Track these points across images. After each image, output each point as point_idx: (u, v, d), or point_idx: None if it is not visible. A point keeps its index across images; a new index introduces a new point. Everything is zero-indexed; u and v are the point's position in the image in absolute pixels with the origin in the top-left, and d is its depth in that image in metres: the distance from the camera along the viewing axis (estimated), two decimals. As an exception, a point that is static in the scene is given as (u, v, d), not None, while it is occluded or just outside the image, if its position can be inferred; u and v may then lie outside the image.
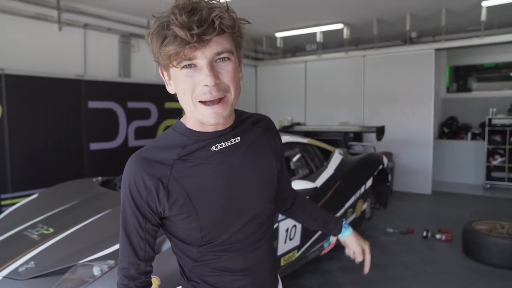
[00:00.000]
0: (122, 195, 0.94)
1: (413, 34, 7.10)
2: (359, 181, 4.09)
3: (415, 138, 6.93)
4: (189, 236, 0.96)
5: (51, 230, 2.44)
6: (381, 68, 7.24)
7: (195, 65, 0.83)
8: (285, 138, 3.53)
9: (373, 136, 5.55)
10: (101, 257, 2.06)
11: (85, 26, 5.60)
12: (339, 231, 1.31)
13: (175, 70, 0.85)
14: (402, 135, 7.00)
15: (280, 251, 2.89)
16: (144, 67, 6.37)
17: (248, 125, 1.04)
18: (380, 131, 5.03)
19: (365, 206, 4.28)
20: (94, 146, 5.12)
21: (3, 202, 4.38)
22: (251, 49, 8.85)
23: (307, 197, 3.01)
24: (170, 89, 0.92)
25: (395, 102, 7.09)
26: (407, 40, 7.01)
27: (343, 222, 1.33)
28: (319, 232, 3.38)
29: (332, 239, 1.36)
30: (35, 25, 5.09)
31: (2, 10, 4.77)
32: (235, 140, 0.97)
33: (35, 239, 2.35)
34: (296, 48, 8.91)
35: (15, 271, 2.09)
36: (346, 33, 7.35)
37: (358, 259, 1.29)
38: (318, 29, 7.43)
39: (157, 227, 0.97)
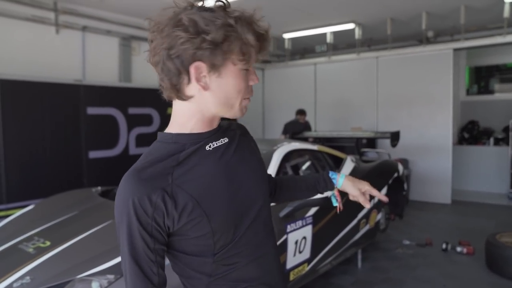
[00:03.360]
0: (123, 220, 0.90)
1: (430, 34, 7.09)
2: (373, 190, 4.06)
3: (432, 144, 6.89)
4: (202, 246, 0.97)
5: (48, 243, 2.46)
6: (396, 70, 7.23)
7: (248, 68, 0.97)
8: (294, 145, 3.53)
9: (387, 142, 5.53)
10: (100, 271, 2.07)
11: (84, 28, 5.68)
12: (332, 184, 1.36)
13: (235, 69, 0.94)
14: (419, 140, 6.97)
15: (289, 264, 2.88)
16: (145, 71, 6.42)
17: (228, 128, 1.12)
18: (394, 137, 5.01)
19: (379, 216, 4.25)
20: (93, 154, 5.16)
21: (0, 213, 4.43)
22: (258, 51, 8.88)
23: (317, 207, 3.04)
24: (195, 86, 0.93)
25: (411, 106, 7.06)
26: (423, 40, 7.00)
27: (330, 173, 1.37)
28: (331, 244, 3.37)
29: (334, 193, 1.39)
30: (31, 28, 5.18)
31: (-3, 13, 4.86)
32: (224, 140, 1.04)
33: (31, 252, 2.37)
34: (305, 49, 8.94)
35: (10, 286, 2.10)
36: (358, 33, 7.36)
37: (361, 202, 1.33)
38: (328, 30, 7.46)
39: (165, 246, 0.96)
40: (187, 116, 0.99)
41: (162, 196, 0.90)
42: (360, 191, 1.32)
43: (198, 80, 0.92)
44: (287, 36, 8.07)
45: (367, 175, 4.02)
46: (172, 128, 1.01)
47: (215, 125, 1.03)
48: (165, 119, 5.99)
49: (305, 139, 5.99)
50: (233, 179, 1.01)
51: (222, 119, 1.07)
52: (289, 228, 2.82)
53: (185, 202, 0.92)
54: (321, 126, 8.10)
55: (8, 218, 3.08)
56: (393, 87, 7.27)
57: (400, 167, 4.75)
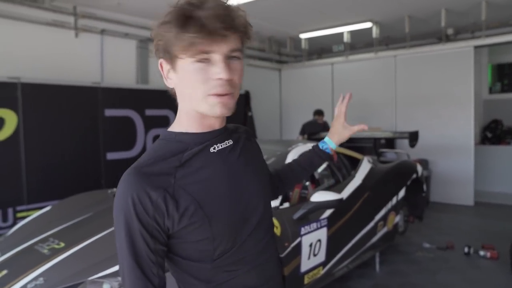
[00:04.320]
0: (122, 218, 0.87)
1: (450, 31, 6.90)
2: (390, 192, 3.97)
3: (453, 144, 6.70)
4: (201, 251, 0.93)
5: (62, 244, 2.47)
6: (414, 69, 7.08)
7: (208, 59, 0.86)
8: (309, 147, 3.46)
9: (406, 142, 5.40)
10: (112, 273, 2.05)
11: (102, 32, 5.75)
12: (327, 154, 1.37)
13: (185, 63, 0.87)
14: (439, 140, 6.79)
15: (304, 268, 2.82)
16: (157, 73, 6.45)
17: (233, 130, 1.09)
18: (413, 137, 4.89)
19: (397, 218, 4.14)
20: (111, 155, 5.21)
21: (19, 214, 4.51)
22: (275, 51, 8.84)
23: (332, 209, 2.97)
24: (169, 83, 0.95)
25: (431, 105, 6.89)
26: (442, 38, 6.82)
27: (320, 145, 1.38)
28: (347, 247, 3.30)
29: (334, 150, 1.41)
30: (51, 32, 5.26)
31: (18, 18, 4.95)
32: (228, 143, 1.01)
33: (46, 253, 2.38)
34: (322, 49, 8.85)
35: (24, 287, 2.11)
36: (375, 32, 7.24)
37: (358, 129, 1.37)
38: (345, 29, 7.35)
39: (166, 247, 0.92)
40: (182, 114, 0.97)
41: (163, 196, 0.87)
42: (350, 131, 1.36)
43: (166, 77, 0.95)
44: (304, 36, 7.99)
45: (384, 176, 3.93)
46: (175, 126, 0.99)
47: (216, 125, 0.98)
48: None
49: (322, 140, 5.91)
50: (237, 184, 0.98)
51: (228, 120, 1.03)
52: (303, 230, 2.76)
53: (187, 204, 0.89)
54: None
55: (27, 219, 3.12)
56: (412, 86, 7.11)
57: (419, 168, 4.62)
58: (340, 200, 2.78)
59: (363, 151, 5.15)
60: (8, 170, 4.46)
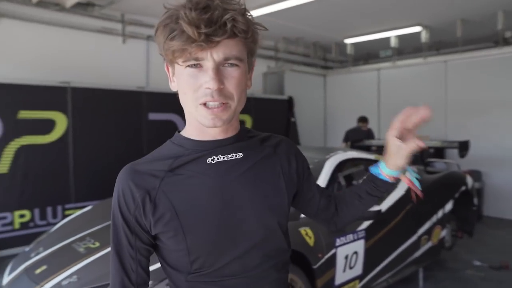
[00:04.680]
0: (112, 210, 0.90)
1: (508, 34, 6.49)
2: (435, 204, 3.74)
3: (510, 155, 6.25)
4: (178, 261, 0.90)
5: (97, 244, 2.52)
6: (467, 74, 6.70)
7: (200, 66, 0.80)
8: (348, 154, 3.35)
9: (457, 152, 5.10)
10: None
11: (148, 38, 5.93)
12: (382, 182, 1.01)
13: (179, 68, 0.83)
14: (494, 151, 6.36)
15: (338, 280, 2.71)
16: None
17: (256, 142, 0.98)
18: (463, 147, 4.60)
19: (443, 233, 3.90)
20: (153, 158, 5.33)
21: (67, 212, 4.72)
22: (319, 57, 8.73)
23: (370, 221, 2.84)
24: (173, 86, 0.90)
25: (485, 113, 6.48)
26: (499, 41, 6.41)
27: (372, 171, 1.04)
28: (387, 261, 3.14)
29: (402, 179, 1.02)
30: (100, 38, 5.50)
31: (70, 26, 5.22)
32: (236, 155, 0.92)
33: (81, 252, 2.45)
34: (368, 55, 8.63)
35: (59, 284, 2.18)
36: (424, 36, 6.96)
37: (416, 145, 0.95)
38: (392, 33, 7.13)
39: (150, 247, 0.91)
40: (187, 121, 0.93)
41: (143, 197, 0.86)
42: (405, 150, 0.95)
43: (170, 80, 0.90)
44: (349, 41, 7.83)
45: (429, 188, 3.72)
46: (184, 130, 0.95)
47: (220, 135, 0.90)
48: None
49: (367, 148, 5.73)
50: (230, 202, 0.89)
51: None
52: (338, 242, 2.66)
53: (164, 211, 0.86)
54: (385, 133, 7.72)
55: (68, 217, 3.24)
56: (464, 93, 6.73)
57: (469, 179, 4.33)
58: (378, 212, 2.66)
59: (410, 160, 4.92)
60: (58, 170, 4.69)
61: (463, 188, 4.16)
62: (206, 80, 0.79)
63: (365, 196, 1.05)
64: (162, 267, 0.95)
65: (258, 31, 0.86)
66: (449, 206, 3.89)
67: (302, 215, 2.43)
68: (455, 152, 5.70)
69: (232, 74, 0.82)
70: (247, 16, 0.82)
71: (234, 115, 0.87)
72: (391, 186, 1.03)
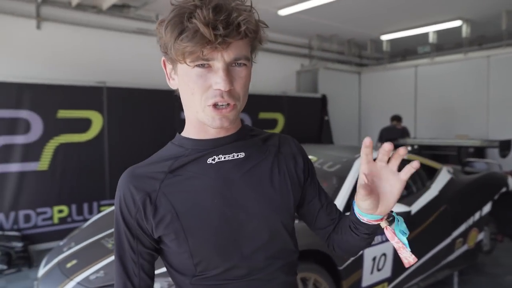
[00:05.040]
0: (115, 214, 0.90)
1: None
2: (472, 206, 3.57)
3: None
4: (182, 264, 0.89)
5: (125, 240, 2.59)
6: (512, 70, 6.37)
7: (209, 66, 0.78)
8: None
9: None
10: (162, 273, 2.09)
11: (182, 38, 6.02)
12: (357, 219, 0.86)
13: (185, 67, 0.80)
14: (541, 151, 6.00)
15: (365, 282, 2.65)
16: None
17: (259, 141, 0.95)
18: (504, 146, 4.38)
19: (481, 236, 3.71)
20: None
21: (102, 208, 4.88)
22: (354, 54, 8.56)
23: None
24: (172, 84, 0.89)
25: (531, 110, 6.14)
26: (547, 35, 6.05)
27: (352, 204, 0.88)
28: (419, 263, 3.03)
29: (385, 232, 0.86)
30: (135, 39, 5.65)
31: (107, 28, 5.39)
32: (237, 155, 0.89)
33: (109, 248, 2.52)
34: (405, 51, 8.39)
35: (87, 278, 2.25)
36: (465, 31, 6.67)
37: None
38: (431, 29, 6.89)
39: (153, 251, 0.90)
40: (187, 120, 0.92)
41: (144, 200, 0.86)
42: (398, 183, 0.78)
43: (169, 77, 0.88)
44: (385, 37, 7.64)
45: (465, 189, 3.56)
46: (183, 130, 0.94)
47: (221, 133, 0.88)
48: (256, 124, 6.07)
49: (400, 146, 5.56)
50: (232, 203, 0.87)
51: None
52: (365, 242, 2.59)
53: (165, 213, 0.85)
54: (421, 133, 7.47)
55: (100, 214, 3.35)
56: (508, 90, 6.39)
57: (511, 180, 4.11)
58: (408, 213, 2.57)
59: (447, 160, 4.74)
60: (94, 167, 4.86)
61: (504, 189, 3.95)
62: (217, 81, 0.78)
63: (353, 229, 0.91)
64: (167, 270, 0.94)
65: (263, 29, 0.84)
66: (487, 208, 3.71)
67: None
68: (497, 152, 5.44)
69: (241, 74, 0.81)
70: (256, 15, 0.81)
71: (238, 114, 0.86)
72: (361, 227, 0.87)
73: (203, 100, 0.80)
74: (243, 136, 0.93)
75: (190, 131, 0.91)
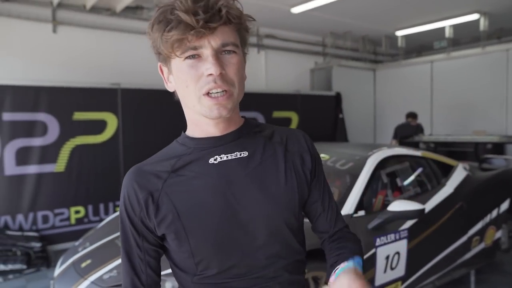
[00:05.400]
0: (120, 211, 0.92)
1: None
2: (489, 203, 3.50)
3: None
4: (183, 262, 0.90)
5: (138, 239, 2.62)
6: (532, 64, 6.21)
7: (199, 56, 0.81)
8: (392, 151, 3.22)
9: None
10: (174, 271, 2.12)
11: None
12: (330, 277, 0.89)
13: (177, 62, 0.83)
14: (563, 146, 5.84)
15: (379, 281, 2.62)
16: (250, 76, 6.59)
17: (262, 139, 0.95)
18: (524, 142, 4.26)
19: (498, 234, 3.63)
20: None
21: (117, 209, 4.95)
22: (369, 51, 8.47)
23: (414, 220, 2.70)
24: (170, 87, 0.91)
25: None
26: None
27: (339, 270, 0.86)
28: (433, 262, 2.99)
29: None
30: (148, 40, 5.69)
31: (120, 30, 5.46)
32: (240, 154, 0.90)
33: (123, 247, 2.56)
34: (421, 47, 8.27)
35: (101, 277, 2.30)
36: (483, 24, 6.53)
37: None
38: (447, 23, 6.77)
39: (158, 248, 0.92)
40: (187, 118, 0.94)
41: (146, 198, 0.87)
42: None
43: (167, 81, 0.91)
44: (400, 33, 7.54)
45: (482, 186, 3.49)
46: (187, 129, 0.96)
47: (220, 131, 0.89)
48: (271, 123, 6.07)
49: (415, 144, 5.48)
50: (233, 202, 0.87)
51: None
52: (378, 241, 2.56)
53: (166, 213, 0.86)
54: (438, 129, 7.34)
55: (114, 214, 3.40)
56: (528, 84, 6.24)
57: (530, 177, 4.01)
58: (421, 211, 2.53)
59: (464, 157, 4.65)
60: (109, 168, 4.93)
61: (523, 186, 3.85)
62: (207, 67, 0.80)
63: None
64: (171, 269, 0.96)
65: (248, 20, 0.87)
66: (505, 206, 3.63)
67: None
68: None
69: (231, 60, 0.83)
70: (237, 3, 0.84)
71: (236, 104, 0.86)
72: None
73: (197, 89, 0.82)
74: (246, 133, 0.93)
75: (191, 130, 0.93)
